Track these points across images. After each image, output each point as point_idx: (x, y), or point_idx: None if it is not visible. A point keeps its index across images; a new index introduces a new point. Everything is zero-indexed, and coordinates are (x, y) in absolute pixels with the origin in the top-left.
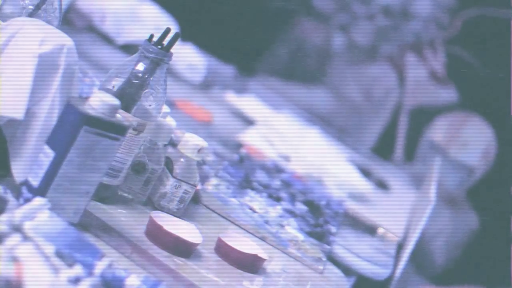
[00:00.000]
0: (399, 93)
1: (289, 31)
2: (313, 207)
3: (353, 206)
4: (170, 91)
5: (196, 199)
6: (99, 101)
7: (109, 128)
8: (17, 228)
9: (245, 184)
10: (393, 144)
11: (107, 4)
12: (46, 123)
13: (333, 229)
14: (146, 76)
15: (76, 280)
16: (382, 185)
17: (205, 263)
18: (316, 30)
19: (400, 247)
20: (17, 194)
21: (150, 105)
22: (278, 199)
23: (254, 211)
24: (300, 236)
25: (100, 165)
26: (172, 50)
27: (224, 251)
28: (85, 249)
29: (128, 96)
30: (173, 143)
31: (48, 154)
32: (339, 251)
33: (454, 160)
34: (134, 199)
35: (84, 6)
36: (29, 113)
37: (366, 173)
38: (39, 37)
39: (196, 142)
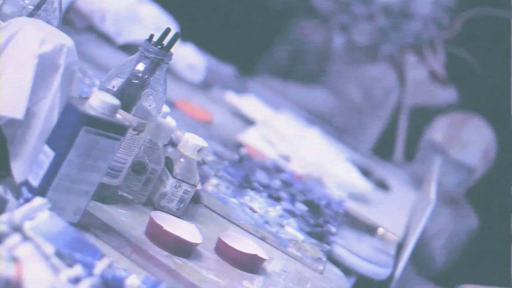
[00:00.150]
0: (399, 93)
1: (289, 31)
2: (313, 207)
3: (353, 206)
4: (170, 91)
5: (196, 199)
6: (99, 101)
7: (109, 128)
8: (17, 228)
9: (245, 184)
10: (393, 144)
11: (107, 4)
12: (46, 123)
13: (333, 229)
14: (146, 76)
15: (76, 280)
16: (382, 185)
17: (205, 263)
18: (316, 30)
19: (400, 247)
20: (17, 194)
21: (150, 105)
22: (278, 199)
23: (254, 211)
24: (300, 236)
25: (100, 165)
26: (172, 50)
27: (224, 251)
28: (85, 249)
29: (128, 96)
30: (173, 143)
31: (48, 154)
32: (339, 251)
33: (454, 160)
34: (134, 199)
35: (84, 6)
36: (29, 113)
37: (366, 173)
38: (39, 37)
39: (196, 142)
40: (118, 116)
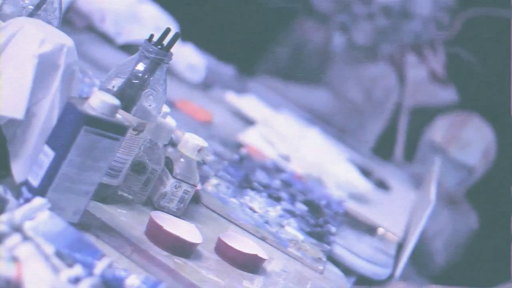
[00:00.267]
0: (399, 93)
1: (289, 31)
2: (313, 207)
3: (353, 206)
4: (170, 91)
5: (196, 199)
6: (99, 101)
7: (109, 128)
8: (17, 228)
9: (245, 184)
10: (393, 144)
11: (107, 4)
12: (46, 123)
13: (333, 229)
14: (146, 76)
15: (76, 280)
16: (382, 185)
17: (205, 263)
18: (316, 30)
19: (400, 247)
20: (17, 194)
21: (150, 105)
22: (278, 199)
23: (254, 211)
24: (300, 236)
25: (100, 165)
26: (172, 50)
27: (224, 251)
28: (85, 249)
29: (128, 96)
30: (173, 143)
31: (48, 154)
32: (339, 251)
33: (454, 160)
34: (134, 199)
35: (84, 6)
36: (29, 113)
37: (366, 173)
38: (39, 37)
39: (196, 142)
40: (118, 116)
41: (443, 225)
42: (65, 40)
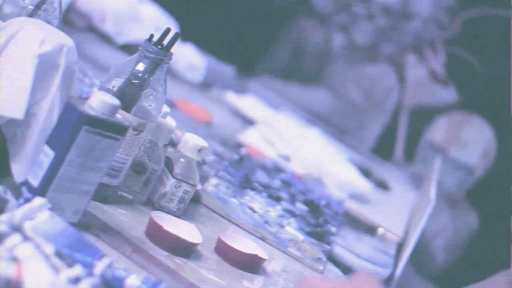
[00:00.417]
0: (399, 93)
1: (289, 31)
2: (313, 207)
3: (353, 206)
4: (170, 91)
5: (196, 199)
6: (99, 101)
7: (109, 128)
8: (17, 228)
9: (245, 184)
10: (393, 144)
11: (107, 4)
12: (46, 123)
13: (333, 229)
14: (146, 76)
15: (76, 280)
16: (382, 185)
17: (205, 263)
18: (316, 30)
19: (400, 247)
20: (17, 194)
21: (150, 105)
22: (278, 199)
23: (254, 211)
24: (300, 236)
25: (100, 165)
26: (172, 50)
27: (224, 251)
28: (85, 249)
29: (128, 96)
30: (173, 143)
31: (48, 154)
32: (339, 251)
33: (454, 160)
34: (134, 199)
35: (84, 6)
36: (29, 113)
37: (366, 173)
38: (39, 37)
39: (196, 142)
40: (118, 116)
41: (443, 225)
42: (65, 40)
